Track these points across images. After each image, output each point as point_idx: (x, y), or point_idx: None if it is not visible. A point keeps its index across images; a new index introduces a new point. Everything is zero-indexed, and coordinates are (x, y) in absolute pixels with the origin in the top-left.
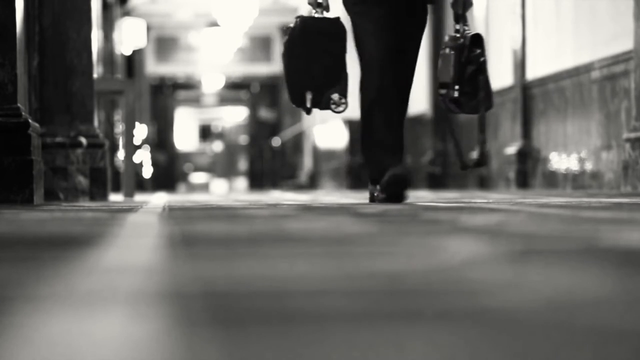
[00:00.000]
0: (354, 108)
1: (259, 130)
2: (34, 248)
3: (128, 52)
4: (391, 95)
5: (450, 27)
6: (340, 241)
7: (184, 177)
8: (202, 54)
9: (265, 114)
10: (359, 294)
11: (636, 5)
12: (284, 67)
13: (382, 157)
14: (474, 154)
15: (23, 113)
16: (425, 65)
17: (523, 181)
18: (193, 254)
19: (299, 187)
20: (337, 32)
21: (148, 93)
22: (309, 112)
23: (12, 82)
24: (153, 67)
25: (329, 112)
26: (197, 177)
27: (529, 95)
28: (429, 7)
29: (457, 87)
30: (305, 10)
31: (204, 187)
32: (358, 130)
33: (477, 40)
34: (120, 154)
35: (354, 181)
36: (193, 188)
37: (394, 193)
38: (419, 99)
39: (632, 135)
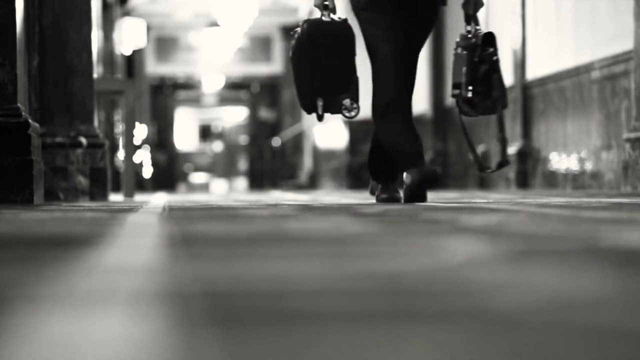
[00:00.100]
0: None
1: (259, 130)
2: (34, 248)
3: (128, 52)
4: (406, 96)
5: (454, 27)
6: (340, 241)
7: (184, 177)
8: (202, 54)
9: (265, 114)
10: (359, 294)
11: (636, 5)
12: (293, 72)
13: (403, 156)
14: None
15: (23, 113)
16: (426, 65)
17: (523, 181)
18: (193, 254)
19: (299, 187)
20: (345, 35)
21: (148, 93)
22: (321, 118)
23: (12, 82)
24: (153, 67)
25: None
26: (197, 177)
27: (529, 95)
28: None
29: (470, 87)
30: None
31: (204, 187)
32: (358, 130)
33: (490, 39)
34: (120, 154)
35: (354, 181)
36: (193, 188)
37: (419, 194)
38: (419, 99)
39: (632, 135)
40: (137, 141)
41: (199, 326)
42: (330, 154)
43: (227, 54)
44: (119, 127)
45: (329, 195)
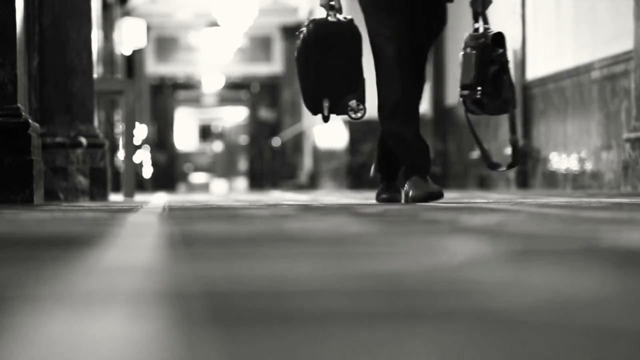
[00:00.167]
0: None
1: (259, 130)
2: (34, 248)
3: (128, 52)
4: (413, 98)
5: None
6: (340, 241)
7: (184, 177)
8: (202, 54)
9: (265, 114)
10: (359, 294)
11: (636, 5)
12: (298, 73)
13: (407, 162)
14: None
15: (23, 113)
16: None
17: (523, 181)
18: (193, 254)
19: (299, 187)
20: (351, 35)
21: (148, 93)
22: (327, 119)
23: (12, 82)
24: (153, 67)
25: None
26: (197, 177)
27: (529, 95)
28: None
29: (479, 88)
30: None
31: (204, 187)
32: (358, 130)
33: (499, 40)
34: (120, 154)
35: (354, 181)
36: (193, 188)
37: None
38: None
39: (632, 135)
40: (137, 141)
41: (199, 326)
42: (330, 154)
43: (227, 54)
44: (119, 127)
45: (329, 195)
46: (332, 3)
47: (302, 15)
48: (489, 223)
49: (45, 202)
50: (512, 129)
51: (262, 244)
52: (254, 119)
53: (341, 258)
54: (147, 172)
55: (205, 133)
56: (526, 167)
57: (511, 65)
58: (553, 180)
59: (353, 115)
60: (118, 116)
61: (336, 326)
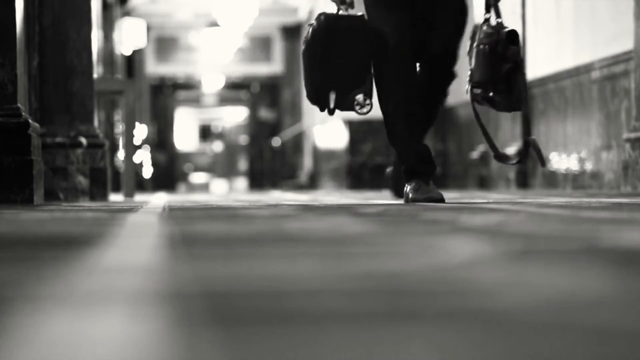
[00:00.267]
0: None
1: (259, 130)
2: (34, 248)
3: (128, 52)
4: (412, 100)
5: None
6: (340, 241)
7: (184, 177)
8: (202, 54)
9: (265, 114)
10: (359, 294)
11: (636, 5)
12: (304, 65)
13: (406, 164)
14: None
15: (23, 113)
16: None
17: (523, 181)
18: (193, 254)
19: (299, 187)
20: (363, 29)
21: (148, 93)
22: (332, 112)
23: (12, 82)
24: (153, 67)
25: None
26: (197, 177)
27: (529, 95)
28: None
29: (492, 86)
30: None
31: (204, 187)
32: (358, 130)
33: (513, 37)
34: (120, 154)
35: (354, 181)
36: (193, 188)
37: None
38: None
39: (632, 135)
40: (137, 141)
41: (199, 326)
42: (330, 154)
43: (227, 54)
44: (119, 127)
45: (329, 195)
46: None
47: (302, 15)
48: (489, 223)
49: (45, 202)
50: (528, 131)
51: (262, 244)
52: (254, 119)
53: (341, 258)
54: (147, 172)
55: (205, 133)
56: (526, 167)
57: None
58: (553, 180)
59: (359, 110)
60: (118, 116)
61: (336, 326)
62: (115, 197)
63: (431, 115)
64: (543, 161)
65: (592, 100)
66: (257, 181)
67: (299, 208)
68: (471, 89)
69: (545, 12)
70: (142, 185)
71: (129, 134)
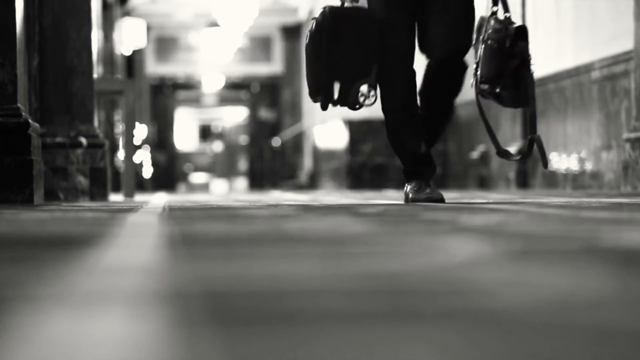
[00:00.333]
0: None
1: (259, 130)
2: (34, 248)
3: (128, 52)
4: (412, 99)
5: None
6: (341, 241)
7: (184, 177)
8: (202, 54)
9: (265, 114)
10: (359, 294)
11: (636, 5)
12: (308, 57)
13: (406, 164)
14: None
15: (23, 113)
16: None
17: (523, 181)
18: (193, 254)
19: (299, 187)
20: (368, 20)
21: (148, 93)
22: (335, 104)
23: (12, 82)
24: (153, 67)
25: (328, 112)
26: (197, 177)
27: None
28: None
29: (501, 81)
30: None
31: (204, 187)
32: (358, 130)
33: (522, 33)
34: (120, 154)
35: (354, 181)
36: (193, 188)
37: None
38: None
39: (632, 135)
40: (137, 141)
41: (199, 326)
42: (330, 154)
43: (227, 54)
44: (119, 127)
45: (329, 195)
46: None
47: (302, 15)
48: (489, 223)
49: (45, 202)
50: (533, 128)
51: (262, 244)
52: (254, 119)
53: (341, 258)
54: (147, 172)
55: (205, 133)
56: (526, 167)
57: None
58: (553, 180)
59: (364, 102)
60: (118, 116)
61: (336, 326)
62: (115, 197)
63: (446, 109)
64: (545, 161)
65: (592, 100)
66: (257, 181)
67: (299, 208)
68: (478, 84)
69: (545, 12)
70: (142, 185)
71: (129, 134)
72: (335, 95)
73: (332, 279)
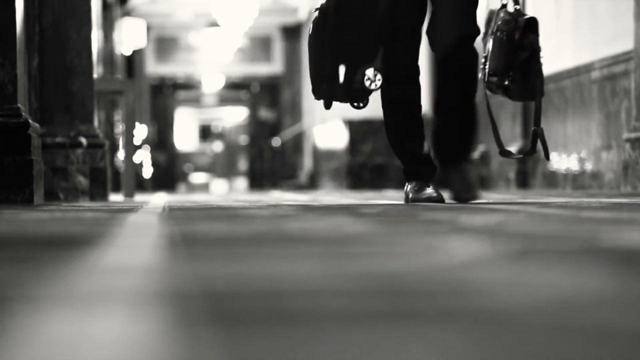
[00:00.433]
0: (346, 108)
1: (259, 130)
2: (34, 248)
3: (128, 52)
4: (414, 95)
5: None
6: (341, 241)
7: (184, 177)
8: (202, 54)
9: (265, 114)
10: (359, 294)
11: (636, 5)
12: (311, 46)
13: (405, 163)
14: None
15: (23, 113)
16: (426, 64)
17: (523, 181)
18: (193, 254)
19: (299, 187)
20: (374, 3)
21: (148, 93)
22: (339, 96)
23: (12, 82)
24: (153, 67)
25: (328, 112)
26: (197, 177)
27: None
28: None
29: (510, 74)
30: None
31: (204, 187)
32: (358, 130)
33: (532, 25)
34: (120, 154)
35: (354, 181)
36: (193, 188)
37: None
38: None
39: (632, 135)
40: (137, 141)
41: (199, 326)
42: (330, 154)
43: (227, 54)
44: (119, 127)
45: (329, 196)
46: None
47: (302, 15)
48: (489, 223)
49: (45, 202)
50: (537, 121)
51: (262, 244)
52: (254, 119)
53: (341, 258)
54: (147, 172)
55: (205, 133)
56: (526, 167)
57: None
58: (553, 180)
59: (369, 86)
60: (118, 116)
61: (336, 326)
62: (115, 197)
63: (466, 111)
64: (547, 153)
65: (592, 100)
66: (257, 181)
67: (299, 208)
68: (486, 77)
69: (545, 12)
70: (142, 185)
71: (129, 134)
72: (341, 79)
73: (332, 279)
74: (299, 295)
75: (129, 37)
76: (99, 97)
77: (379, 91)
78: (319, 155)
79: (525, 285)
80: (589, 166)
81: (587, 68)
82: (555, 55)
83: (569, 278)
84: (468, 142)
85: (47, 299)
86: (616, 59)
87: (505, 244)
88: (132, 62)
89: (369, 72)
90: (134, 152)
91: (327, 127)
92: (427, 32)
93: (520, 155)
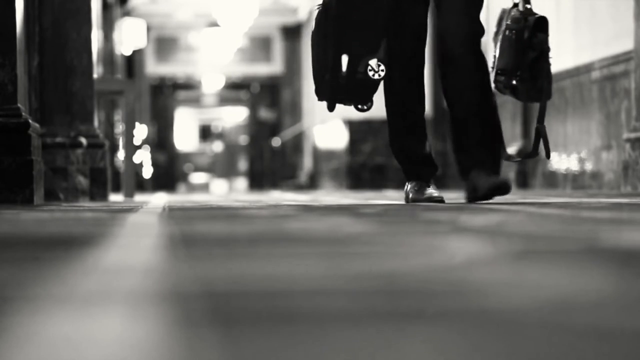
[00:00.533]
0: (349, 108)
1: (259, 130)
2: (34, 248)
3: (128, 52)
4: (414, 95)
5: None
6: (341, 241)
7: (184, 177)
8: (202, 54)
9: (265, 114)
10: (359, 294)
11: (636, 5)
12: (314, 41)
13: (405, 165)
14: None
15: (23, 113)
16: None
17: (523, 181)
18: (193, 254)
19: (299, 187)
20: (376, 0)
21: (148, 93)
22: (342, 92)
23: (12, 82)
24: (153, 67)
25: (328, 112)
26: (197, 177)
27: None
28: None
29: (518, 73)
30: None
31: (204, 188)
32: (358, 130)
33: (542, 24)
34: (120, 154)
35: (354, 181)
36: (193, 188)
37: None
38: None
39: (632, 135)
40: (137, 141)
41: (199, 326)
42: (330, 154)
43: (227, 54)
44: (119, 127)
45: (329, 196)
46: None
47: (302, 15)
48: (489, 223)
49: (45, 202)
50: (541, 119)
51: (262, 244)
52: (254, 119)
53: (341, 258)
54: (147, 172)
55: (205, 133)
56: (526, 167)
57: None
58: (553, 180)
59: (373, 76)
60: (118, 116)
61: (336, 326)
62: (115, 197)
63: (485, 115)
64: (549, 152)
65: (592, 100)
66: (257, 181)
67: (299, 208)
68: (495, 77)
69: (545, 12)
70: (142, 186)
71: (129, 134)
72: (344, 68)
73: (332, 278)
74: (299, 295)
75: (129, 37)
76: (99, 97)
77: (382, 91)
78: (319, 155)
79: (525, 285)
80: (589, 166)
81: (587, 68)
82: (555, 55)
83: (569, 278)
84: (494, 152)
85: (47, 299)
86: (616, 59)
87: (505, 244)
88: (132, 62)
89: (372, 62)
90: (134, 152)
91: (327, 127)
92: (437, 30)
93: (519, 159)
